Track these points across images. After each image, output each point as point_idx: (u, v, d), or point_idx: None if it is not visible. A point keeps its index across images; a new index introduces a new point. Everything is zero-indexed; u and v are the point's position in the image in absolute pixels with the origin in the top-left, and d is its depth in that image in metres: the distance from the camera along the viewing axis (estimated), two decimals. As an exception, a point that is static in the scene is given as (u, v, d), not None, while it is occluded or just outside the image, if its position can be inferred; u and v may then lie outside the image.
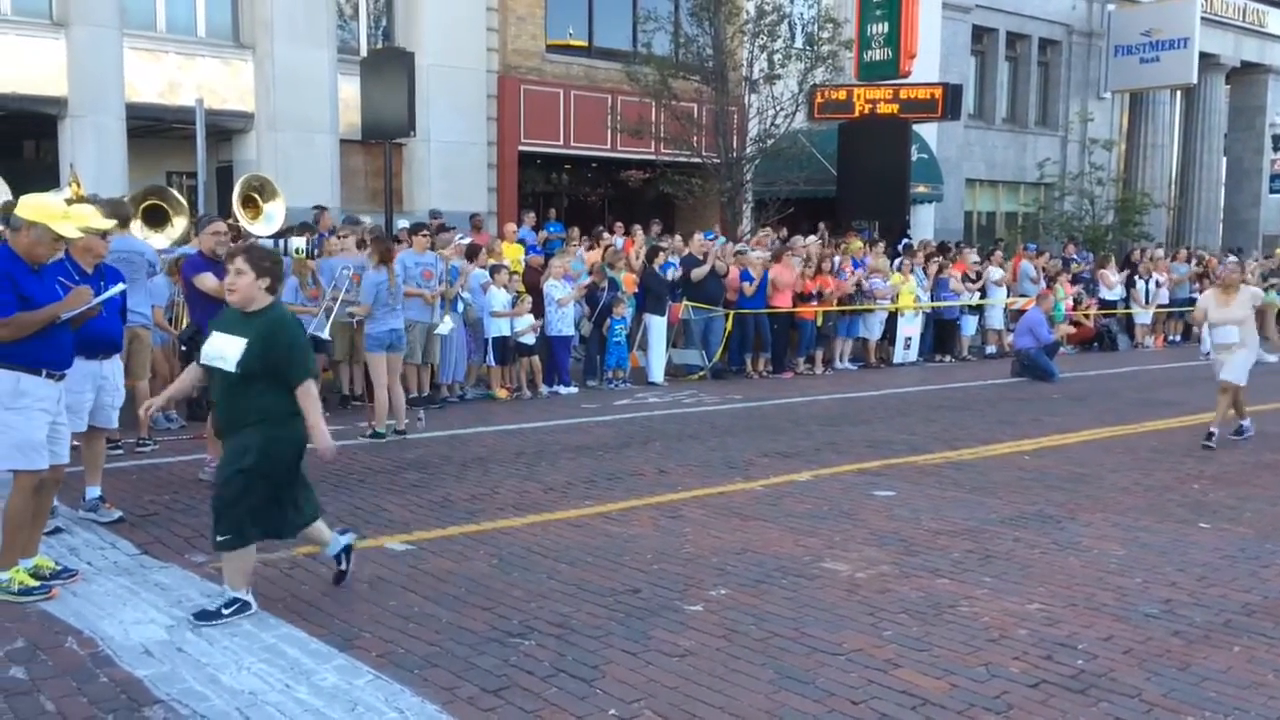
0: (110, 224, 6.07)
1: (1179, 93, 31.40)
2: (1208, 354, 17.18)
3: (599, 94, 20.04)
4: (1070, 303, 18.43)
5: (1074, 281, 19.22)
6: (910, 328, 16.21)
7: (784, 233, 17.62)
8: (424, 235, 10.94)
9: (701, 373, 13.99)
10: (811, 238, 17.12)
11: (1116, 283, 19.55)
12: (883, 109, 20.77)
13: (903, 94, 20.82)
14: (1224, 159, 33.32)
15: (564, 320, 12.40)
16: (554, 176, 22.47)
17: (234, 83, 16.71)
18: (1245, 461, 8.91)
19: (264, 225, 10.17)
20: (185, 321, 9.06)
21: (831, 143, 21.06)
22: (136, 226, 9.42)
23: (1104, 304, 19.46)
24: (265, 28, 16.58)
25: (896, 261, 16.49)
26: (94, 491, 6.43)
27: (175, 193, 10.65)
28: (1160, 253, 21.93)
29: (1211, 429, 9.58)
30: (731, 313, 14.02)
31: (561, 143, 20.01)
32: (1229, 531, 6.61)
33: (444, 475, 7.89)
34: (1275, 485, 7.99)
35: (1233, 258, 10.33)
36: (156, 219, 10.35)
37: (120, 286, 5.97)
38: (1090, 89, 29.21)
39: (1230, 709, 4.04)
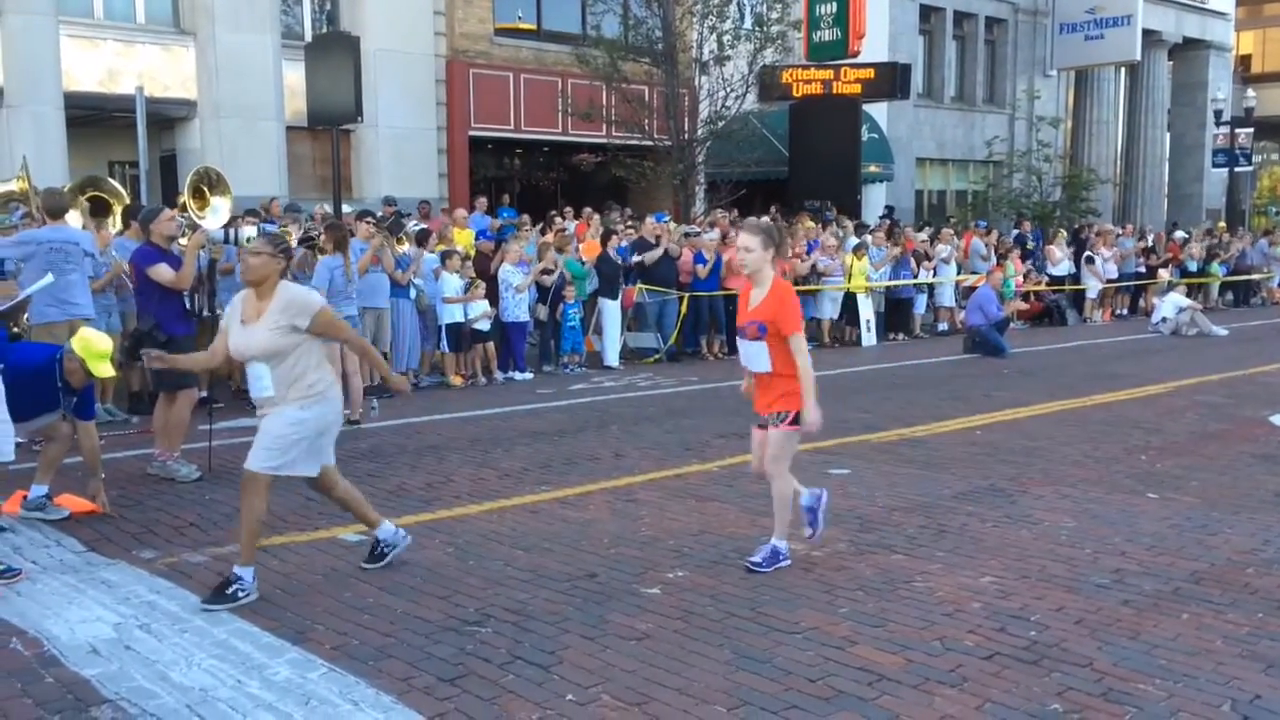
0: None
1: (1123, 70, 31.83)
2: (1157, 324, 17.59)
3: (549, 77, 19.92)
4: (1020, 279, 18.66)
5: (1024, 258, 19.45)
6: (868, 310, 16.30)
7: (735, 214, 17.64)
8: (369, 222, 10.84)
9: (657, 355, 13.99)
10: (764, 219, 17.14)
11: (1062, 258, 19.80)
12: (833, 89, 20.86)
13: (852, 74, 20.91)
14: (1168, 135, 33.84)
15: (519, 306, 12.32)
16: (505, 161, 22.33)
17: (176, 70, 16.41)
18: (1192, 432, 9.07)
19: (212, 218, 10.06)
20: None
21: (783, 124, 21.13)
22: (74, 217, 9.23)
23: (1053, 279, 19.72)
24: (206, 13, 16.28)
25: (854, 242, 16.52)
26: (41, 489, 6.29)
27: (113, 182, 10.46)
28: (1112, 227, 22.26)
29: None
30: (686, 295, 14.02)
31: (512, 127, 19.88)
32: (1176, 501, 6.72)
33: (398, 464, 7.82)
34: (1220, 455, 8.14)
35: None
36: (102, 209, 10.18)
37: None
38: (1037, 67, 29.51)
39: (1179, 676, 4.10)
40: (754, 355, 5.38)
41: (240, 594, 4.85)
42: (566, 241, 13.57)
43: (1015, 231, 21.65)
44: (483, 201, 17.13)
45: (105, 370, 6.22)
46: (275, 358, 4.91)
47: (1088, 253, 20.00)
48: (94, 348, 6.11)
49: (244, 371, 5.65)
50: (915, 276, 17.15)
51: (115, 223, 10.12)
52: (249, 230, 8.34)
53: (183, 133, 16.82)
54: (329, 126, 14.23)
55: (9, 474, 5.95)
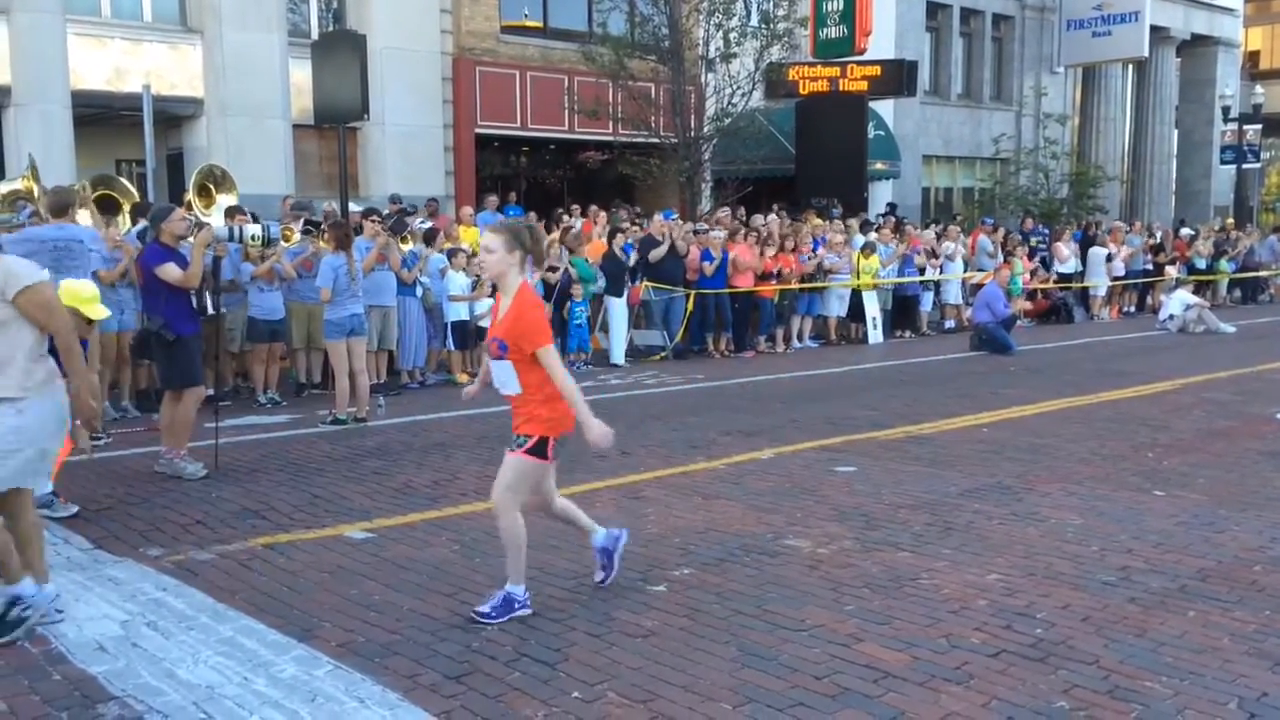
0: None
1: (1131, 66, 31.72)
2: (1164, 321, 17.53)
3: (555, 75, 19.90)
4: (1027, 276, 18.62)
5: (1031, 256, 19.40)
6: (874, 308, 16.28)
7: (742, 212, 17.63)
8: (373, 220, 10.85)
9: (663, 353, 13.99)
10: (770, 216, 17.15)
11: (1069, 256, 19.75)
12: (840, 86, 20.84)
13: (859, 71, 20.88)
14: (1175, 132, 33.72)
15: (525, 303, 12.30)
16: (512, 159, 22.32)
17: (183, 68, 16.43)
18: (1199, 430, 9.04)
19: (217, 215, 10.14)
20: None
21: (789, 121, 21.10)
22: (85, 216, 9.26)
23: (1060, 277, 19.67)
24: (213, 12, 16.30)
25: (863, 241, 16.49)
26: (46, 487, 6.31)
27: (124, 182, 10.50)
28: (1122, 224, 22.20)
29: None
30: (692, 293, 14.01)
31: (518, 125, 19.87)
32: (1183, 499, 6.71)
33: (405, 461, 7.83)
34: (1228, 452, 8.11)
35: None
36: (111, 207, 10.22)
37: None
38: (1044, 64, 29.42)
39: (1186, 674, 4.09)
40: (501, 376, 4.75)
41: (26, 614, 4.35)
42: (579, 242, 13.56)
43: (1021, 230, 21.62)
44: (493, 200, 17.14)
45: (100, 311, 6.11)
46: None
47: (1106, 250, 19.91)
48: (82, 294, 5.99)
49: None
50: (922, 274, 17.12)
51: (125, 221, 10.15)
52: (253, 228, 8.36)
53: (190, 131, 16.85)
54: (336, 124, 14.23)
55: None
